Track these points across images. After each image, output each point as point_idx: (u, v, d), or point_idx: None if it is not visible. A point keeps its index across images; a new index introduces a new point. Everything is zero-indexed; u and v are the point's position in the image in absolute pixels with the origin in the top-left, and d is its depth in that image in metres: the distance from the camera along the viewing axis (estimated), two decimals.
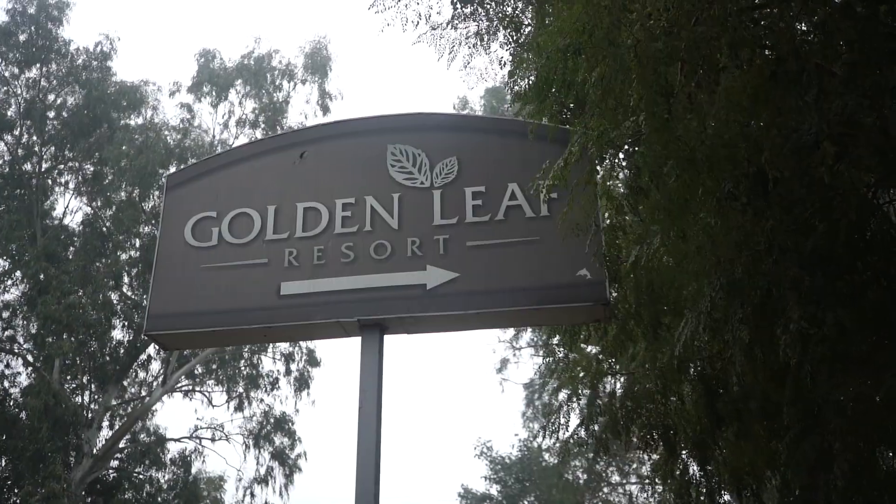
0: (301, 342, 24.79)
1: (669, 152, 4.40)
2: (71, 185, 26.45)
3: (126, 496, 24.10)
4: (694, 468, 8.33)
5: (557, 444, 9.61)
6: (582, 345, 8.96)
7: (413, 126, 6.76)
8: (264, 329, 6.21)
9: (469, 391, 68.47)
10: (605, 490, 27.42)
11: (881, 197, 5.08)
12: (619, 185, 5.32)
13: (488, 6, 7.66)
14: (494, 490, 31.97)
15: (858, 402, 5.35)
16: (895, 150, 4.20)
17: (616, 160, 5.04)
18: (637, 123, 4.72)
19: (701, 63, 4.19)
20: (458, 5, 7.71)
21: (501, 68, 8.39)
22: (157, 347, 25.79)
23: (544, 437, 9.20)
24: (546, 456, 29.74)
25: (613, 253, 6.23)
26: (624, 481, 26.63)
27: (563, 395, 9.37)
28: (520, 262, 5.99)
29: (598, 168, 5.18)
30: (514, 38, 7.85)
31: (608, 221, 5.91)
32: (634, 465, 25.41)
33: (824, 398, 5.83)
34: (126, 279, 25.34)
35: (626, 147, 4.98)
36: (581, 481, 27.64)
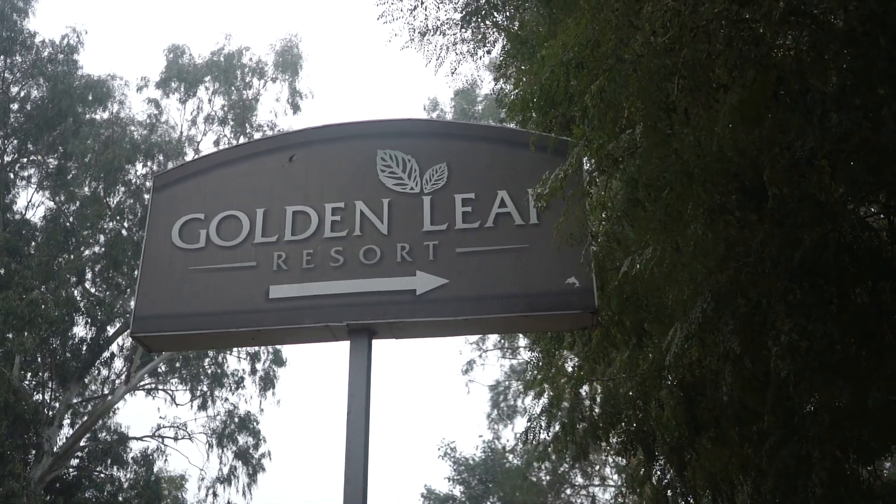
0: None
1: (666, 166, 4.50)
2: (34, 179, 26.03)
3: (86, 495, 23.78)
4: (670, 474, 8.46)
5: (539, 449, 9.70)
6: (565, 351, 9.06)
7: (403, 132, 6.79)
8: (252, 332, 6.20)
9: (433, 392, 68.53)
10: (568, 492, 27.64)
11: (866, 209, 5.23)
12: (614, 195, 5.40)
13: (493, 17, 7.72)
14: (458, 491, 32.04)
15: (839, 412, 5.49)
16: (888, 166, 4.33)
17: (612, 172, 5.12)
18: (633, 136, 4.81)
19: (699, 79, 4.28)
20: (470, 17, 7.76)
21: (505, 81, 8.45)
22: (119, 345, 25.56)
23: (525, 443, 9.28)
24: (510, 457, 29.92)
25: (602, 262, 6.32)
26: (587, 483, 26.88)
27: (543, 401, 9.46)
28: (509, 269, 6.05)
29: (596, 179, 5.27)
30: (504, 46, 7.95)
31: (598, 230, 5.99)
32: (598, 467, 25.67)
33: (803, 406, 5.99)
34: (89, 275, 25.02)
35: (621, 159, 5.06)
36: (544, 483, 27.83)
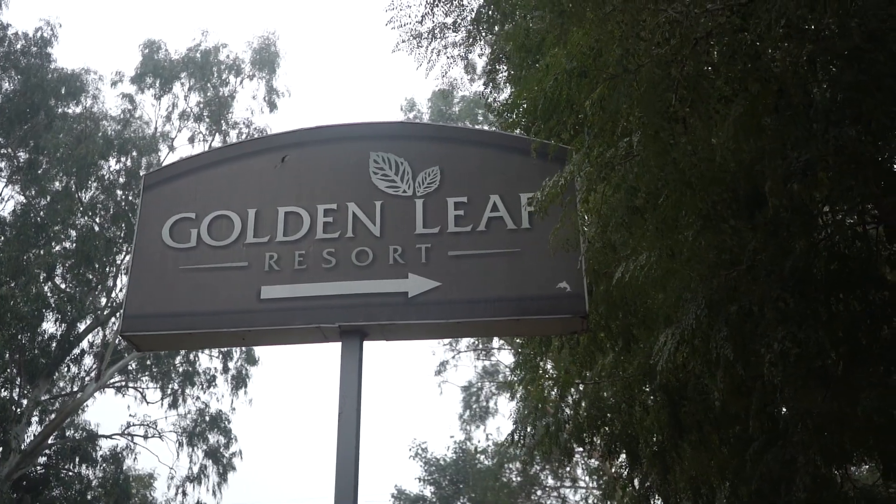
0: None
1: (665, 174, 4.58)
2: (4, 173, 25.66)
3: (54, 493, 23.54)
4: (651, 478, 8.54)
5: (517, 450, 9.77)
6: (550, 354, 9.13)
7: (395, 134, 6.81)
8: (243, 332, 6.19)
9: (405, 392, 68.49)
10: (539, 493, 27.78)
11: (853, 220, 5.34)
12: (606, 201, 5.48)
13: (502, 25, 7.76)
14: (428, 491, 32.07)
15: (822, 418, 5.61)
16: (877, 179, 4.45)
17: (610, 179, 5.19)
18: (630, 144, 4.88)
19: (701, 90, 4.37)
20: (478, 24, 7.81)
21: (494, 86, 8.56)
22: (90, 341, 25.31)
23: (511, 446, 9.34)
24: (481, 458, 29.99)
25: (592, 267, 6.39)
26: (558, 484, 27.02)
27: (529, 403, 9.52)
28: (501, 273, 6.08)
29: (595, 187, 5.33)
30: (495, 52, 8.02)
31: (591, 236, 6.06)
32: (569, 469, 25.81)
33: (788, 412, 6.11)
34: (59, 271, 24.74)
35: (619, 166, 5.13)
36: (515, 484, 27.94)
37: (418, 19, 7.97)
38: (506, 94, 8.67)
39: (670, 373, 7.06)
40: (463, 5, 7.75)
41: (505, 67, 8.20)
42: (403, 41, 8.06)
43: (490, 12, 7.60)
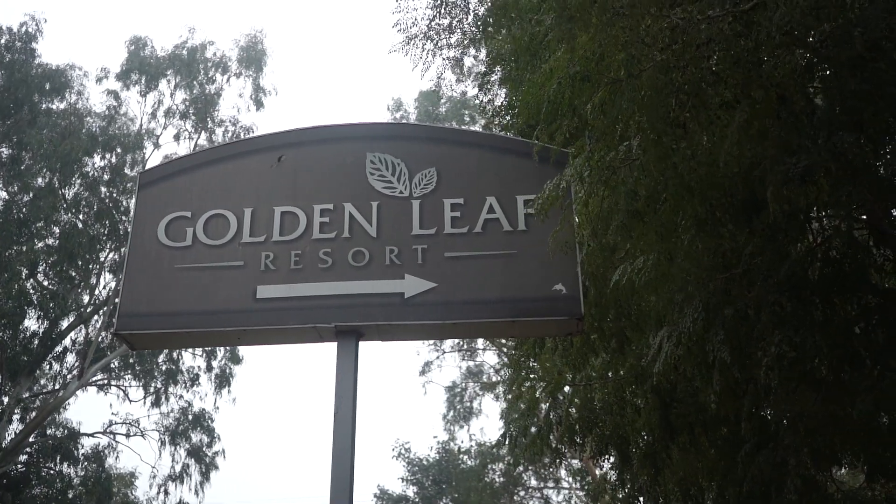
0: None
1: (665, 179, 4.63)
2: None
3: (35, 492, 23.37)
4: (640, 479, 8.59)
5: (515, 452, 9.80)
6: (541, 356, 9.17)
7: (392, 135, 6.84)
8: (239, 332, 6.19)
9: (388, 391, 68.39)
10: (522, 494, 27.85)
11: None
12: (602, 203, 5.53)
13: (509, 27, 7.79)
14: (411, 491, 32.07)
15: (813, 421, 5.67)
16: (869, 186, 4.51)
17: (610, 182, 5.23)
18: (630, 148, 4.93)
19: (703, 96, 4.42)
20: (484, 28, 7.84)
21: (488, 90, 8.58)
22: (72, 339, 25.14)
23: (502, 447, 9.38)
24: (464, 458, 30.03)
25: (586, 269, 6.43)
26: (541, 485, 27.10)
27: (522, 405, 9.56)
28: (497, 275, 6.11)
29: (596, 189, 5.37)
30: (490, 54, 8.07)
31: (587, 239, 6.10)
32: (551, 469, 25.88)
33: (780, 415, 6.17)
34: (42, 268, 24.56)
35: (619, 169, 5.17)
36: (498, 484, 28.00)
37: (426, 21, 8.00)
38: (499, 96, 8.76)
39: (662, 375, 7.12)
40: (467, 8, 7.79)
41: (500, 70, 8.24)
42: (404, 42, 8.09)
43: (494, 17, 7.62)
